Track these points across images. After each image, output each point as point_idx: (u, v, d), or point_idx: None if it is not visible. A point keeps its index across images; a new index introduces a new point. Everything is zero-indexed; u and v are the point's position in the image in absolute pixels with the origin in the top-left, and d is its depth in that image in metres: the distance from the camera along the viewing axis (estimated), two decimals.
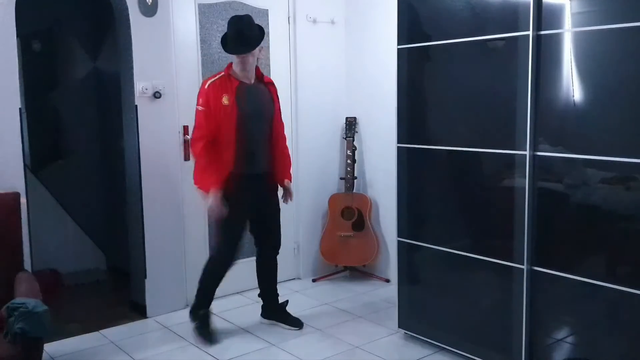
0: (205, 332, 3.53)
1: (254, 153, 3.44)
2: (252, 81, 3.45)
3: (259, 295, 3.80)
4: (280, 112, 3.62)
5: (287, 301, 3.79)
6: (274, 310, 3.76)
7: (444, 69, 3.24)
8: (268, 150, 3.51)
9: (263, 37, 3.43)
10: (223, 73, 3.41)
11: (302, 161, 4.56)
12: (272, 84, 3.60)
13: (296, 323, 3.69)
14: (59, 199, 4.74)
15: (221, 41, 3.47)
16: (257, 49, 3.39)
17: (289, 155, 3.74)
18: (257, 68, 3.50)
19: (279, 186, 3.66)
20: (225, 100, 3.32)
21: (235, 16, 3.46)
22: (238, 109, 3.33)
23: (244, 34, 3.34)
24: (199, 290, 3.59)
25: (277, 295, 3.78)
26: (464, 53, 3.05)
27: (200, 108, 3.36)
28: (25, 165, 3.42)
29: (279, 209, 3.68)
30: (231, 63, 3.45)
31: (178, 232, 3.98)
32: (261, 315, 3.80)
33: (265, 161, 3.50)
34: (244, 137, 3.36)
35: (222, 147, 3.35)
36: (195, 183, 3.41)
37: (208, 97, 3.33)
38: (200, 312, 3.56)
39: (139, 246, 3.91)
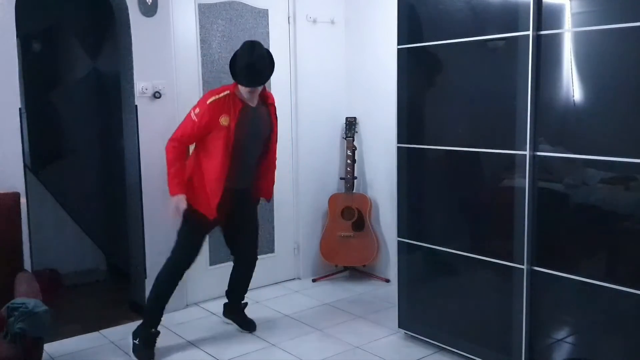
0: (145, 353, 3.33)
1: (243, 170, 3.41)
2: (256, 103, 3.39)
3: (226, 293, 3.79)
4: (276, 130, 3.57)
5: (246, 303, 3.80)
6: (234, 312, 3.77)
7: (444, 69, 3.24)
8: (255, 167, 3.50)
9: (274, 67, 3.38)
10: (229, 92, 3.29)
11: (302, 161, 4.56)
12: (272, 104, 3.53)
13: (249, 327, 3.70)
14: (59, 199, 4.74)
15: (230, 66, 3.33)
16: None
17: (274, 171, 3.68)
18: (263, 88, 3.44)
19: (259, 201, 3.70)
20: (224, 121, 3.23)
21: (247, 46, 3.31)
22: (236, 132, 3.25)
23: (256, 68, 3.25)
24: (149, 305, 3.46)
25: (242, 299, 3.79)
26: (464, 53, 3.05)
27: (194, 118, 3.24)
28: (25, 165, 3.42)
29: (257, 224, 3.72)
30: (234, 85, 3.35)
31: None
32: (222, 313, 3.82)
33: (251, 177, 3.50)
34: (237, 157, 3.31)
35: (211, 161, 3.28)
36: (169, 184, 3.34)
37: (204, 114, 3.23)
38: (151, 331, 3.37)
39: (139, 246, 3.91)
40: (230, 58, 3.37)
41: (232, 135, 3.25)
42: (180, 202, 3.26)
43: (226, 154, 3.26)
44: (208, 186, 3.29)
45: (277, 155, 3.65)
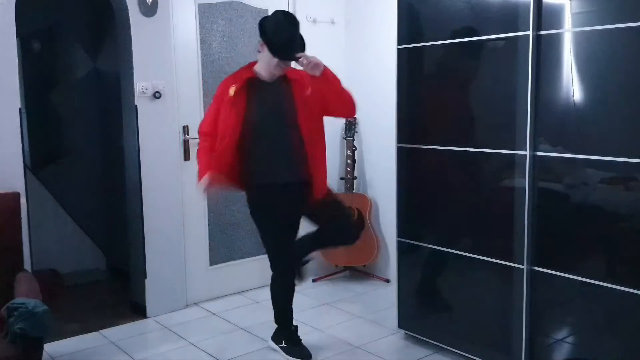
0: (296, 350, 3.28)
1: (274, 161, 3.04)
2: (274, 79, 3.03)
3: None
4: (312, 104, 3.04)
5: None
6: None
7: (444, 69, 3.24)
8: (297, 158, 3.02)
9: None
10: (242, 67, 3.13)
11: None
12: (295, 79, 3.06)
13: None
14: (59, 199, 4.74)
15: (264, 34, 2.93)
16: None
17: (323, 161, 3.13)
18: None
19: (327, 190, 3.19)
20: (231, 90, 2.94)
21: (284, 16, 2.96)
22: (247, 104, 2.94)
23: (297, 39, 2.96)
24: (275, 313, 3.37)
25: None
26: (464, 53, 3.05)
27: (213, 103, 3.10)
28: (25, 165, 3.42)
29: (330, 203, 3.18)
30: (254, 62, 3.08)
31: (178, 232, 3.99)
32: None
33: (293, 170, 3.05)
34: (258, 142, 2.98)
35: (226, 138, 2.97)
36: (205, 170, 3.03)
37: (220, 90, 3.06)
38: (285, 334, 3.34)
39: (139, 246, 3.91)
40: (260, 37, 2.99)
41: (240, 104, 2.92)
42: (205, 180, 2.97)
43: (236, 128, 2.93)
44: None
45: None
